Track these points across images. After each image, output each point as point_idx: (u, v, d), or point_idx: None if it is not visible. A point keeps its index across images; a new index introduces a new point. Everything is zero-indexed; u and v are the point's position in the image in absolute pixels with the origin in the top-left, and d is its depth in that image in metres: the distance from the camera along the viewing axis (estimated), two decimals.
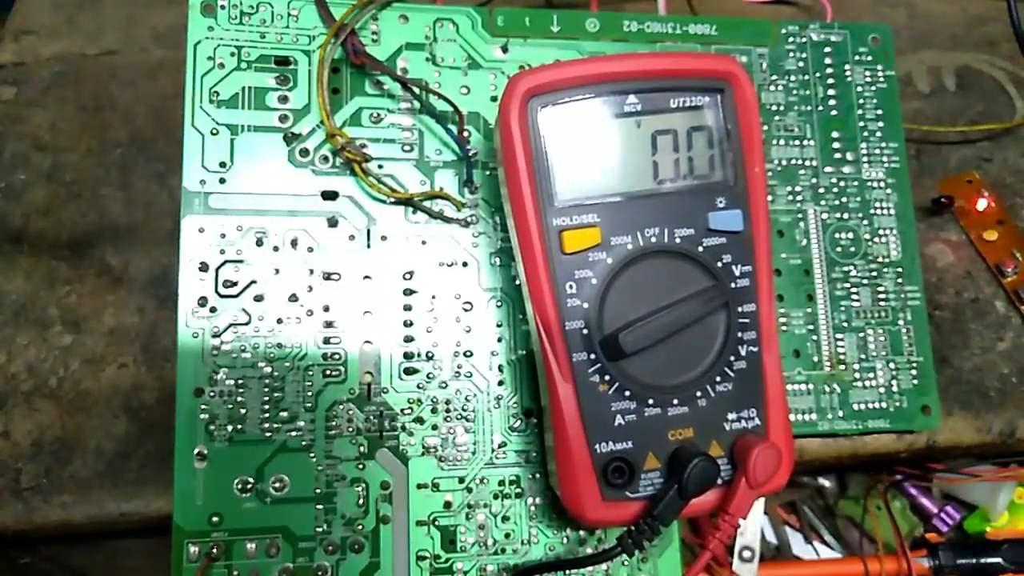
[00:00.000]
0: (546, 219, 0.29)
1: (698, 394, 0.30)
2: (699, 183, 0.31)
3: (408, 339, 0.33)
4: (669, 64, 0.31)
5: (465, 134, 0.35)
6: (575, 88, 0.30)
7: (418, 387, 0.33)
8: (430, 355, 0.33)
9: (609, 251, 0.29)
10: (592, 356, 0.29)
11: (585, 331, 0.29)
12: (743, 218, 0.30)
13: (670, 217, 0.30)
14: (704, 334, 0.30)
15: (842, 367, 0.37)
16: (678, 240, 0.30)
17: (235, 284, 0.32)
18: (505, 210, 0.31)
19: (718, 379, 0.30)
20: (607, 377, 0.29)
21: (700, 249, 0.30)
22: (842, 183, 0.39)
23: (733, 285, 0.30)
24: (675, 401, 0.29)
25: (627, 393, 0.29)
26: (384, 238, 0.34)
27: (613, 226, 0.30)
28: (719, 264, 0.30)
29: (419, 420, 0.33)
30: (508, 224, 0.31)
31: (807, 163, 0.39)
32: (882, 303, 0.38)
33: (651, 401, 0.29)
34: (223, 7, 0.34)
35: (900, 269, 0.39)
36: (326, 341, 0.32)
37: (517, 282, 0.34)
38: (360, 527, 0.31)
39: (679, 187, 0.30)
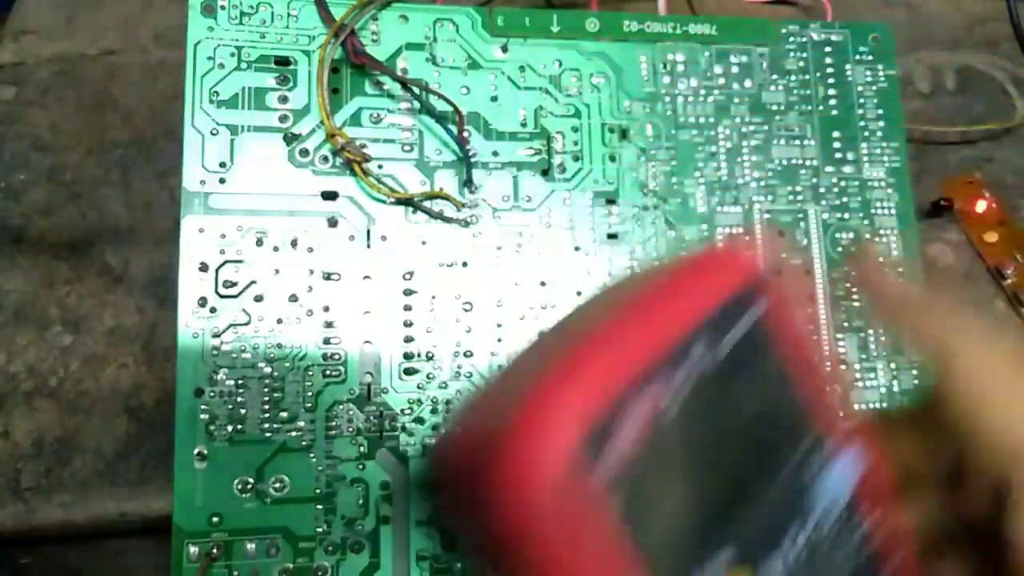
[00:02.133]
0: None
1: None
2: None
3: (408, 339, 0.33)
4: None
5: (465, 134, 0.35)
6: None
7: (418, 387, 0.33)
8: (430, 355, 0.33)
9: None
10: None
11: None
12: None
13: None
14: None
15: (843, 367, 0.37)
16: None
17: (235, 284, 0.32)
18: None
19: None
20: None
21: None
22: (843, 183, 0.39)
23: None
24: None
25: None
26: (384, 238, 0.34)
27: None
28: None
29: (419, 420, 0.33)
30: None
31: (807, 163, 0.39)
32: None
33: None
34: (223, 7, 0.34)
35: (901, 269, 0.39)
36: (326, 341, 0.32)
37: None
38: (360, 527, 0.31)
39: None
